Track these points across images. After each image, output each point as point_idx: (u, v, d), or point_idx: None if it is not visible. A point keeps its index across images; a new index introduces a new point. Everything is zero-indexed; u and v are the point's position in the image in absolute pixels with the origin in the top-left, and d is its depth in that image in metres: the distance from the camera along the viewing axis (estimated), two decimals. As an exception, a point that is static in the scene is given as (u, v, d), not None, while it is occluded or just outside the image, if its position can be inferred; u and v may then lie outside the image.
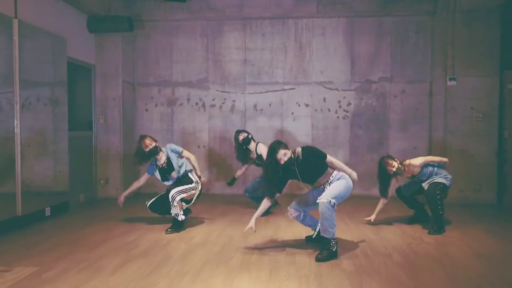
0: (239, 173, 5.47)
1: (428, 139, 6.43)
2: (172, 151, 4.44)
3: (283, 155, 3.39)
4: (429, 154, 6.33)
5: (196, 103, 6.78)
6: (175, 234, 4.18)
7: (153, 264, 3.24)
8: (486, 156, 5.86)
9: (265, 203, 3.60)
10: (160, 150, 4.40)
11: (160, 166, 4.42)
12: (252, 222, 3.53)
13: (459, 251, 3.64)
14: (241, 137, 5.15)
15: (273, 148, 3.43)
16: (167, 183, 4.49)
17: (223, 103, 6.76)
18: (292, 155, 3.46)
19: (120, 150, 6.32)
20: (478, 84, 5.86)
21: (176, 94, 6.80)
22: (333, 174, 3.54)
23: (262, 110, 6.69)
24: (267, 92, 6.69)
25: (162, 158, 4.40)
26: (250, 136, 5.19)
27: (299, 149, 3.52)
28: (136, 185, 4.58)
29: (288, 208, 3.73)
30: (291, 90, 6.66)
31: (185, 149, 4.59)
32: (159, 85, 6.81)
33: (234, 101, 6.74)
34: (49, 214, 4.89)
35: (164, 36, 6.77)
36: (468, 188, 5.90)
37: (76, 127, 5.93)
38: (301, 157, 3.46)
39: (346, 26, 6.53)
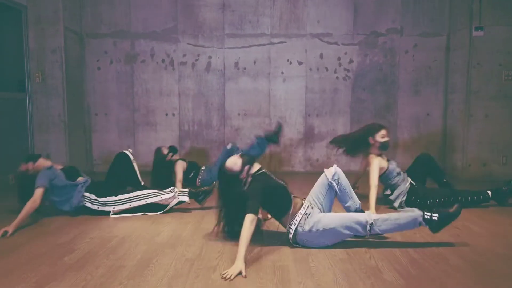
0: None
1: (444, 103, 5.41)
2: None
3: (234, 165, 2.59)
4: (444, 122, 5.38)
5: (163, 60, 5.44)
6: (133, 229, 2.97)
7: (90, 283, 2.03)
8: (514, 122, 4.92)
9: (250, 228, 2.26)
10: None
11: None
12: (240, 265, 2.10)
13: (527, 244, 2.64)
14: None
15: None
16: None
17: (196, 60, 5.45)
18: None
19: (64, 118, 4.94)
20: (509, 34, 4.83)
21: (136, 48, 5.42)
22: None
23: (245, 69, 5.44)
24: (251, 46, 5.42)
25: None
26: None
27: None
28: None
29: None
30: (281, 44, 5.42)
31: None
32: (114, 36, 5.39)
33: (210, 57, 5.44)
34: (-44, 202, 3.55)
35: (119, -27, 5.32)
36: (492, 161, 4.97)
37: (2, 87, 4.50)
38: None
39: (349, -36, 5.31)
